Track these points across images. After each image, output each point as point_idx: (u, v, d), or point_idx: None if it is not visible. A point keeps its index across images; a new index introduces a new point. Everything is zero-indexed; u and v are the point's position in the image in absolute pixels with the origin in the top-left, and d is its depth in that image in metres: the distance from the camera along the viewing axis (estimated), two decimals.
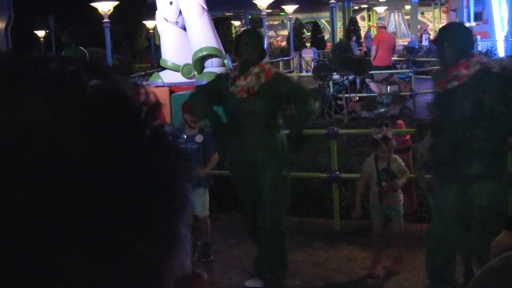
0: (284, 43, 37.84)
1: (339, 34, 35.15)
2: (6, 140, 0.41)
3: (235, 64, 5.48)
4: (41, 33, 32.79)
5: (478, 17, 31.35)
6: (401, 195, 5.62)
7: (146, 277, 0.44)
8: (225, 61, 12.33)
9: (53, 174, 0.40)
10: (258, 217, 5.28)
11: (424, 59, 22.70)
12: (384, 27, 20.07)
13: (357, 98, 13.95)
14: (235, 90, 5.14)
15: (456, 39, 4.59)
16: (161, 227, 0.45)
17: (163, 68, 13.10)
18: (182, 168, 0.48)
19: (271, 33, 46.37)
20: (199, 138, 6.02)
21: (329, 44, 33.20)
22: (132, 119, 0.45)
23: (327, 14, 36.36)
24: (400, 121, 7.57)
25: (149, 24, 29.00)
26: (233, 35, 40.41)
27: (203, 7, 12.32)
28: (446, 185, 4.66)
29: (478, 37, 24.90)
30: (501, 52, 19.54)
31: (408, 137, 7.11)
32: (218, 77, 5.69)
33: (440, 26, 5.27)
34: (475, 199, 4.54)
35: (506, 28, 17.95)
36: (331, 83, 14.01)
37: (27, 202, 0.40)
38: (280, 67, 23.01)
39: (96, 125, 0.43)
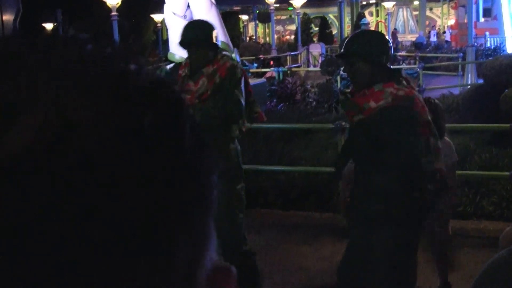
0: (292, 38, 37.80)
1: (347, 29, 35.06)
2: (46, 134, 0.38)
3: (185, 59, 4.89)
4: (49, 26, 32.84)
5: (487, 13, 31.24)
6: None
7: (184, 274, 0.43)
8: (233, 55, 12.31)
9: (95, 171, 0.38)
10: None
11: (432, 55, 22.63)
12: (368, 25, 20.07)
13: None
14: (184, 97, 4.66)
15: (369, 57, 3.77)
16: (197, 224, 0.44)
17: (170, 62, 13.10)
18: (213, 162, 0.46)
19: (279, 27, 46.34)
20: None
21: (336, 40, 33.16)
22: (175, 112, 0.44)
23: (335, 9, 36.32)
24: None
25: (156, 17, 29.03)
26: (241, 30, 40.40)
27: (211, 1, 12.31)
28: (353, 225, 4.18)
29: (487, 33, 24.83)
30: (509, 49, 19.47)
31: None
32: (171, 70, 5.12)
33: (351, 37, 4.04)
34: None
35: None
36: (338, 78, 13.99)
37: (68, 204, 0.37)
38: (288, 62, 22.98)
39: (139, 118, 0.40)
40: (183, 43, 4.73)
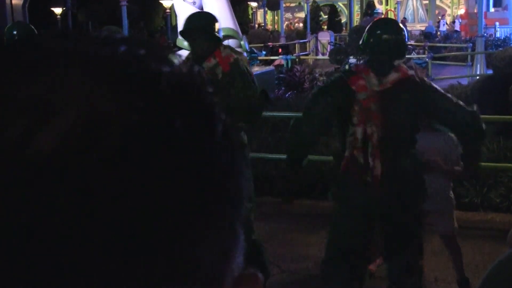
0: (300, 26, 37.69)
1: (356, 18, 34.94)
2: (78, 134, 0.38)
3: (187, 55, 4.82)
4: (58, 11, 32.83)
5: (497, 3, 31.05)
6: None
7: (209, 278, 0.42)
8: (242, 42, 12.28)
9: (125, 171, 0.38)
10: None
11: (441, 44, 22.53)
12: (381, 14, 20.01)
13: None
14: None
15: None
16: (225, 227, 0.43)
17: (180, 48, 13.09)
18: (243, 163, 0.45)
19: (288, 15, 46.19)
20: None
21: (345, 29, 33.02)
22: (208, 114, 0.43)
23: None
24: None
25: (165, 3, 28.96)
26: (250, 17, 40.30)
27: None
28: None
29: (497, 23, 24.69)
30: None
31: None
32: None
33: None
34: None
35: None
36: (347, 67, 13.96)
37: (93, 203, 0.37)
38: (297, 50, 22.93)
39: (172, 120, 0.40)
40: (183, 33, 4.70)
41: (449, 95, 4.31)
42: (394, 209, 4.15)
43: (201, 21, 4.70)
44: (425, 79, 4.44)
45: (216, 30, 4.69)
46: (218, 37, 4.69)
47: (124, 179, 0.38)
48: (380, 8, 33.71)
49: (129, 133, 0.38)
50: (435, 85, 4.34)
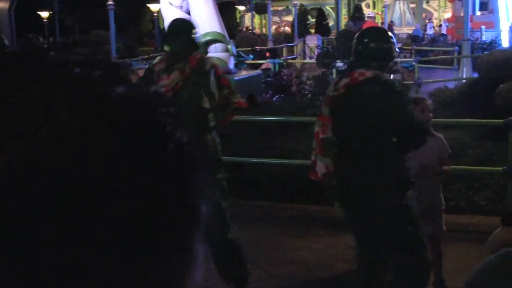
0: (288, 29, 37.74)
1: (344, 21, 34.99)
2: (28, 151, 0.40)
3: (162, 56, 5.10)
4: (44, 14, 32.68)
5: (483, 6, 31.18)
6: None
7: None
8: (229, 46, 12.30)
9: (73, 188, 0.39)
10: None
11: (428, 48, 22.63)
12: (373, 17, 20.13)
13: None
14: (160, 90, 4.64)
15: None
16: (180, 245, 0.44)
17: None
18: (201, 182, 0.46)
19: (276, 18, 46.21)
20: None
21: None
22: (159, 132, 0.44)
23: (332, 0, 36.21)
24: None
25: (153, 7, 28.89)
26: (238, 21, 40.32)
27: None
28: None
29: (483, 27, 24.83)
30: (505, 43, 19.48)
31: None
32: (145, 72, 5.05)
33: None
34: None
35: (511, 18, 17.86)
36: (334, 71, 13.99)
37: (42, 219, 0.39)
38: (284, 53, 22.95)
39: (121, 138, 0.42)
40: (171, 35, 5.05)
41: (409, 107, 4.34)
42: (361, 211, 4.25)
43: (187, 26, 5.14)
44: (392, 82, 4.49)
45: (194, 36, 5.14)
46: (195, 44, 5.11)
47: (72, 198, 0.39)
48: (372, 12, 33.80)
49: (76, 151, 0.40)
50: (399, 92, 4.41)
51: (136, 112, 0.44)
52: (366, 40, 4.39)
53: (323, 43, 25.36)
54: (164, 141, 0.44)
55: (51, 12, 32.55)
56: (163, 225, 0.43)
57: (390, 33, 4.69)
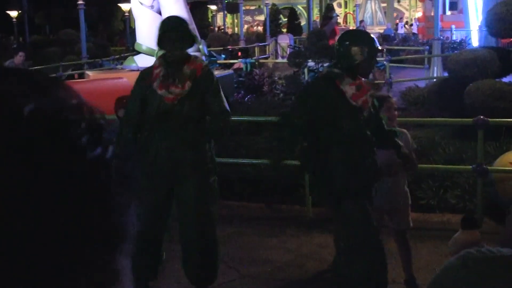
0: (260, 29, 37.76)
1: (316, 21, 35.11)
2: None
3: (158, 57, 4.84)
4: (14, 14, 32.30)
5: (453, 6, 31.54)
6: None
7: None
8: (200, 46, 12.26)
9: None
10: (182, 228, 4.81)
11: (399, 47, 22.79)
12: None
13: None
14: (166, 95, 4.58)
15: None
16: (100, 262, 0.42)
17: (138, 52, 13.01)
18: (124, 196, 0.44)
19: (248, 18, 46.24)
20: None
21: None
22: (70, 147, 0.42)
23: (304, 0, 36.34)
24: None
25: (124, 6, 28.73)
26: (210, 20, 40.24)
27: None
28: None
29: (453, 26, 25.08)
30: (475, 42, 19.69)
31: None
32: (142, 76, 4.84)
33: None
34: None
35: (480, 18, 18.04)
36: (306, 70, 14.03)
37: None
38: (256, 53, 22.96)
39: (29, 154, 0.40)
40: (169, 37, 4.66)
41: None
42: None
43: (186, 26, 4.82)
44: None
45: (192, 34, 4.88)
46: (196, 37, 4.93)
47: None
48: (336, 11, 34.02)
49: None
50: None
51: (46, 127, 0.42)
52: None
53: (295, 42, 25.43)
54: (77, 157, 0.42)
55: (20, 11, 32.19)
56: (77, 242, 0.41)
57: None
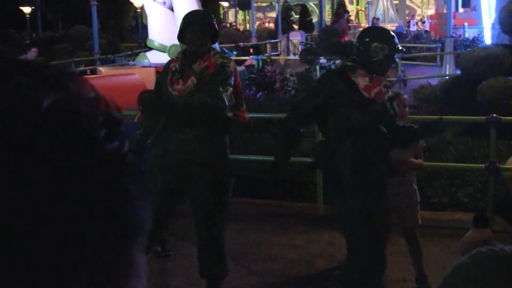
0: (272, 25, 37.73)
1: (327, 18, 35.07)
2: None
3: (179, 52, 4.82)
4: (27, 10, 32.43)
5: (466, 3, 31.38)
6: None
7: None
8: None
9: None
10: (193, 225, 4.81)
11: (411, 45, 22.69)
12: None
13: None
14: (172, 92, 4.56)
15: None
16: (114, 255, 0.43)
17: (150, 48, 13.04)
18: (139, 190, 0.45)
19: (259, 14, 46.23)
20: None
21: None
22: (88, 140, 0.43)
23: None
24: None
25: (136, 2, 28.75)
26: (221, 16, 40.26)
27: None
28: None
29: (466, 23, 24.95)
30: (487, 40, 19.58)
31: None
32: (164, 69, 4.86)
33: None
34: None
35: (493, 15, 17.93)
36: (317, 67, 14.00)
37: None
38: (268, 50, 22.95)
39: (47, 148, 0.40)
40: (190, 30, 4.60)
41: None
42: None
43: (209, 16, 4.87)
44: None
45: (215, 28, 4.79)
46: (216, 34, 4.79)
47: None
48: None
49: (3, 164, 0.39)
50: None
51: (65, 120, 0.42)
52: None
53: (306, 39, 25.38)
54: (96, 149, 0.43)
55: (33, 7, 32.29)
56: (94, 234, 0.41)
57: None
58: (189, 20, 4.69)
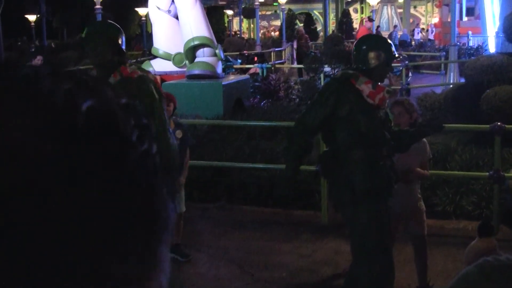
0: (276, 34, 37.76)
1: (332, 26, 35.11)
2: None
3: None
4: (32, 18, 32.55)
5: (470, 12, 31.42)
6: None
7: None
8: (217, 51, 12.30)
9: (35, 199, 0.41)
10: None
11: (415, 53, 22.71)
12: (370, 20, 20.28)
13: None
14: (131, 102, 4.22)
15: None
16: (142, 249, 0.45)
17: (155, 57, 13.07)
18: (167, 188, 0.48)
19: (264, 23, 46.28)
20: (178, 134, 5.53)
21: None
22: (123, 143, 0.45)
23: (320, 5, 36.34)
24: None
25: (141, 11, 28.85)
26: (226, 25, 40.33)
27: None
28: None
29: (470, 32, 24.96)
30: (492, 48, 19.58)
31: None
32: None
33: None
34: None
35: (497, 24, 17.94)
36: (322, 76, 14.02)
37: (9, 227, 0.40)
38: (272, 58, 22.97)
39: (85, 150, 0.43)
40: (85, 38, 4.32)
41: None
42: None
43: (107, 29, 4.45)
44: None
45: (121, 43, 4.43)
46: (123, 51, 4.45)
47: (33, 208, 0.41)
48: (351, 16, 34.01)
49: (42, 165, 0.41)
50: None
51: (100, 123, 0.45)
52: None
53: (311, 47, 25.39)
54: (129, 151, 0.46)
55: (38, 15, 32.39)
56: (128, 230, 0.44)
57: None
58: (90, 29, 4.46)
